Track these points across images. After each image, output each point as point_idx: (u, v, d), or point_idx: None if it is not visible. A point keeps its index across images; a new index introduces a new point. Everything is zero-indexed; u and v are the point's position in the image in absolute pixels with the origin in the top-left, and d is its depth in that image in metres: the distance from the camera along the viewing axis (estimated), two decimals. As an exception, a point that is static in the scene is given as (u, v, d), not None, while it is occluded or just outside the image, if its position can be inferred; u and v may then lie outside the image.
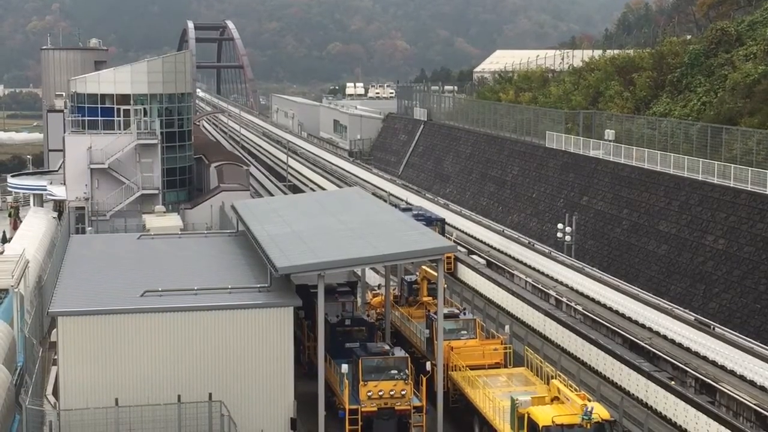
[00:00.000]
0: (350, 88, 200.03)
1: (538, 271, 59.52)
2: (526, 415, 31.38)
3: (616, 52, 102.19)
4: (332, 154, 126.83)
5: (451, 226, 71.70)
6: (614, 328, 47.06)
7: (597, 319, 48.67)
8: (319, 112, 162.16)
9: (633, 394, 40.66)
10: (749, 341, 42.97)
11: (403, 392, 36.63)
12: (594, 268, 58.05)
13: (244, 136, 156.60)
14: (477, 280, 60.09)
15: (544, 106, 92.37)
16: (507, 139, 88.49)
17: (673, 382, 39.46)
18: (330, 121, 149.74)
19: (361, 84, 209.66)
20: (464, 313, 43.69)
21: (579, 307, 50.71)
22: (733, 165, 56.24)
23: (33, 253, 51.99)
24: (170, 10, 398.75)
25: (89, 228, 65.10)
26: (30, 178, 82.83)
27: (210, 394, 34.42)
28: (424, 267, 48.24)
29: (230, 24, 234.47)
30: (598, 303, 51.69)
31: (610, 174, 68.17)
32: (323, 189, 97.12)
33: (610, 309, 50.48)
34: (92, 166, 68.01)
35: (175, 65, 74.29)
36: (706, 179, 57.84)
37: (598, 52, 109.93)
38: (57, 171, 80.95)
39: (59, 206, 74.83)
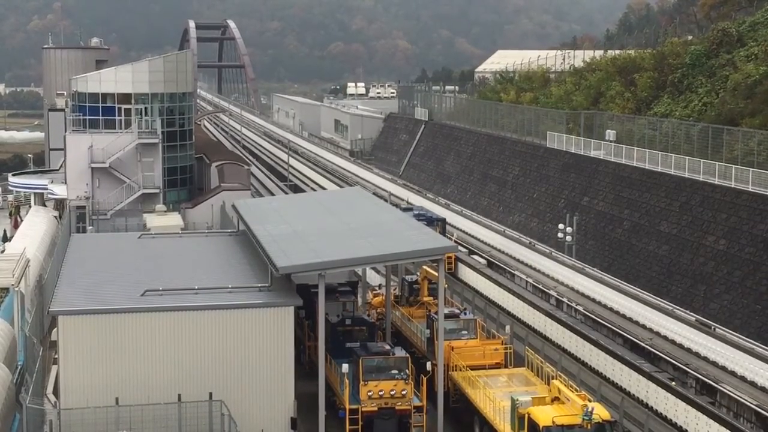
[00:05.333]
0: (351, 88, 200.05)
1: (538, 271, 59.50)
2: (526, 416, 31.38)
3: (618, 52, 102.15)
4: (333, 154, 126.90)
5: (452, 226, 71.69)
6: (615, 328, 47.08)
7: (598, 319, 48.68)
8: (320, 111, 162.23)
9: (633, 395, 40.65)
10: (750, 342, 42.99)
11: (403, 392, 36.63)
12: (595, 269, 58.08)
13: (245, 135, 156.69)
14: (478, 280, 60.09)
15: (545, 106, 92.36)
16: (508, 139, 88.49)
17: (673, 383, 39.46)
18: (331, 121, 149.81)
19: (362, 84, 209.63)
20: (465, 313, 43.68)
21: (580, 308, 50.72)
22: (734, 166, 56.23)
23: (34, 252, 51.97)
24: (171, 9, 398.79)
25: (90, 227, 65.03)
26: (31, 177, 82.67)
27: (210, 394, 34.42)
28: (424, 267, 48.22)
29: (231, 23, 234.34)
30: (599, 303, 51.68)
31: (611, 174, 68.15)
32: (324, 189, 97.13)
33: (610, 309, 50.47)
34: (93, 165, 67.93)
35: (176, 64, 74.18)
36: (707, 180, 57.82)
37: (599, 53, 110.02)
38: (58, 170, 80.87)
39: (60, 205, 74.80)
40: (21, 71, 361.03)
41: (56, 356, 36.28)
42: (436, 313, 40.00)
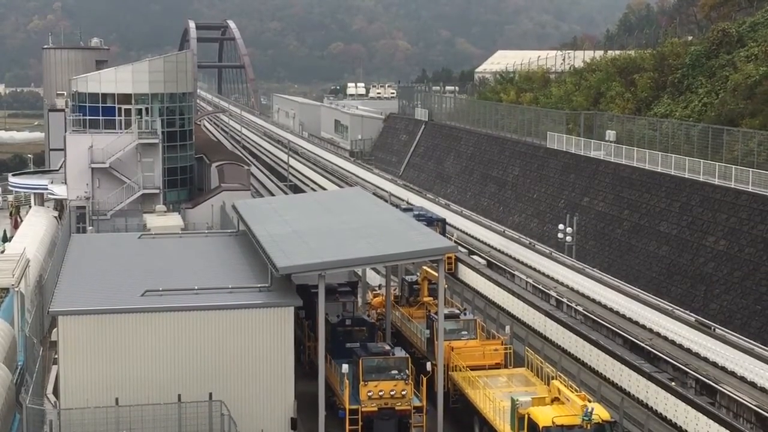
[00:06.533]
0: (351, 88, 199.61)
1: (538, 271, 59.53)
2: (526, 416, 31.40)
3: (618, 52, 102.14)
4: (333, 154, 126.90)
5: (452, 226, 71.71)
6: (615, 328, 47.08)
7: (597, 319, 48.69)
8: (320, 112, 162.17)
9: (633, 395, 40.67)
10: (750, 342, 43.00)
11: (403, 392, 36.65)
12: (594, 269, 58.08)
13: (245, 135, 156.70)
14: (478, 280, 60.10)
15: (545, 106, 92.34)
16: (508, 139, 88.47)
17: (673, 383, 39.48)
18: (331, 121, 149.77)
19: (362, 84, 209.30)
20: (465, 314, 43.69)
21: (579, 308, 50.73)
22: (734, 166, 56.23)
23: (34, 253, 52.02)
24: (172, 9, 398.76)
25: (90, 227, 65.09)
26: (31, 177, 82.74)
27: (210, 394, 34.45)
28: (424, 267, 48.24)
29: (231, 23, 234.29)
30: (599, 304, 51.70)
31: (611, 175, 68.15)
32: (324, 189, 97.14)
33: (610, 310, 50.49)
34: (93, 166, 67.97)
35: (176, 65, 74.23)
36: (707, 180, 57.83)
37: (599, 53, 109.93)
38: (58, 170, 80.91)
39: (60, 205, 74.82)
40: (21, 71, 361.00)
41: (56, 356, 36.30)
42: (436, 313, 40.01)
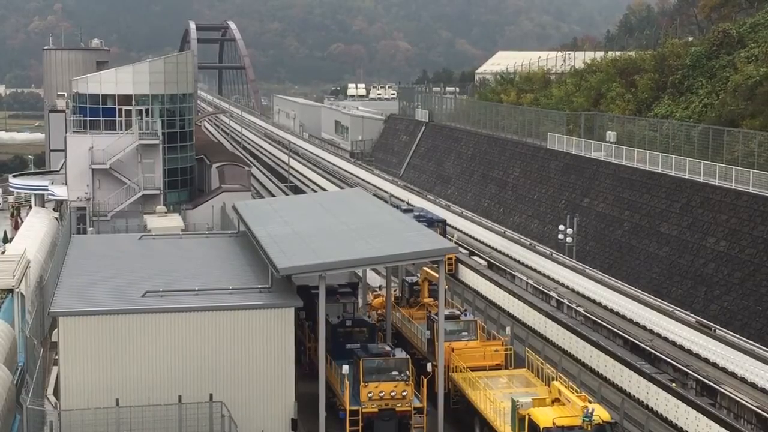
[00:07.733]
0: (352, 89, 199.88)
1: (539, 272, 59.54)
2: (526, 417, 31.40)
3: (618, 53, 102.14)
4: (334, 155, 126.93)
5: (453, 227, 71.73)
6: (615, 329, 47.10)
7: (598, 320, 48.69)
8: (320, 113, 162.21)
9: (634, 396, 40.67)
10: (750, 343, 43.01)
11: (403, 393, 36.64)
12: (595, 270, 58.09)
13: (245, 136, 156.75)
14: (478, 281, 60.11)
15: (545, 107, 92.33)
16: (508, 140, 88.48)
17: (674, 384, 39.48)
18: (331, 122, 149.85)
19: (363, 85, 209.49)
20: (465, 315, 43.68)
21: (580, 309, 50.74)
22: (734, 167, 56.25)
23: (34, 253, 51.96)
24: (172, 10, 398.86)
25: (90, 228, 65.09)
26: (31, 178, 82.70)
27: (211, 395, 34.46)
28: (425, 268, 48.24)
29: (232, 24, 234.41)
30: (599, 305, 51.71)
31: (612, 176, 68.16)
32: (324, 190, 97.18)
33: (611, 311, 50.50)
34: (94, 167, 67.97)
35: (176, 66, 74.21)
36: (707, 181, 57.85)
37: (599, 54, 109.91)
38: (58, 171, 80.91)
39: (60, 206, 74.82)
40: (21, 72, 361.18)
41: (57, 357, 36.31)
42: (436, 314, 40.01)
